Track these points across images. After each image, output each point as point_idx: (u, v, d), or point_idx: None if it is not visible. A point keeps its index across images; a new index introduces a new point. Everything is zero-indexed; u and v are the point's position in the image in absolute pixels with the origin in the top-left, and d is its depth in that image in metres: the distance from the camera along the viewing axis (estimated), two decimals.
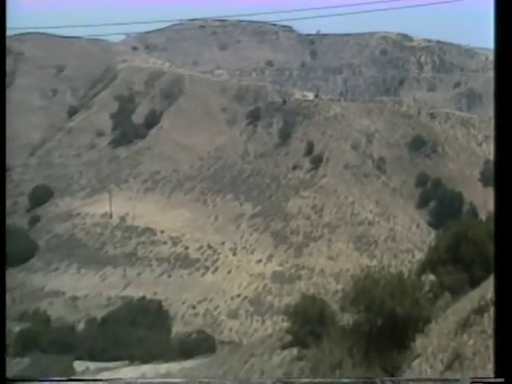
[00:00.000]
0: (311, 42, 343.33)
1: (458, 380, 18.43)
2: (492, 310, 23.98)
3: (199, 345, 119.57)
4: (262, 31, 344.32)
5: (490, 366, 22.03)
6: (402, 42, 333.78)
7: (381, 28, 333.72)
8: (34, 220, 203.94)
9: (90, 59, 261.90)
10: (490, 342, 22.81)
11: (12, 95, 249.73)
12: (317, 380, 21.07)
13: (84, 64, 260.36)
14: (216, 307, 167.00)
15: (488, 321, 23.56)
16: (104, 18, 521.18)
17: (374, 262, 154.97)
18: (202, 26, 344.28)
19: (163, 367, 79.78)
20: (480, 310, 24.34)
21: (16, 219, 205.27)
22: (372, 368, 22.89)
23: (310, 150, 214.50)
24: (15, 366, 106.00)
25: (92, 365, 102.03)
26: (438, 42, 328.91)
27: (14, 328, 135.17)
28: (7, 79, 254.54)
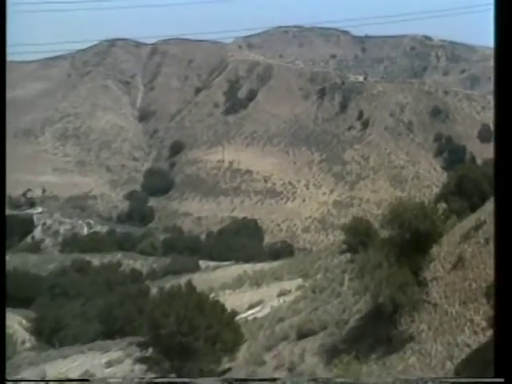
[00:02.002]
0: (361, 41, 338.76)
1: (460, 379, 17.03)
2: (484, 227, 23.73)
3: (283, 251, 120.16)
4: (327, 34, 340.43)
5: (482, 266, 21.90)
6: (425, 41, 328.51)
7: (410, 32, 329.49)
8: (172, 164, 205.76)
9: (210, 55, 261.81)
10: (483, 249, 22.62)
11: (159, 80, 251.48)
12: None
13: (206, 58, 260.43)
14: (294, 225, 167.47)
15: (482, 234, 23.37)
16: (219, 27, 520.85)
17: (405, 194, 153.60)
18: (285, 31, 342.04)
19: (258, 266, 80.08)
20: (476, 227, 24.18)
21: (160, 164, 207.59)
22: (401, 268, 22.72)
23: (360, 116, 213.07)
24: (162, 262, 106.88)
25: (211, 263, 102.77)
26: (450, 41, 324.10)
27: (159, 237, 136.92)
28: (157, 70, 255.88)
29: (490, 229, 23.19)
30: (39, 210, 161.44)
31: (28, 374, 42.97)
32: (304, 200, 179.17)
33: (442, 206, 30.01)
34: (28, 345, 67.66)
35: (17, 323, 72.75)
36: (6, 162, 12.54)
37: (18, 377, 42.63)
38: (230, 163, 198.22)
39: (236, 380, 19.82)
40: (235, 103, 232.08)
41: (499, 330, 12.22)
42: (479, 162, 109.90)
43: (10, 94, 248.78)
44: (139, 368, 32.02)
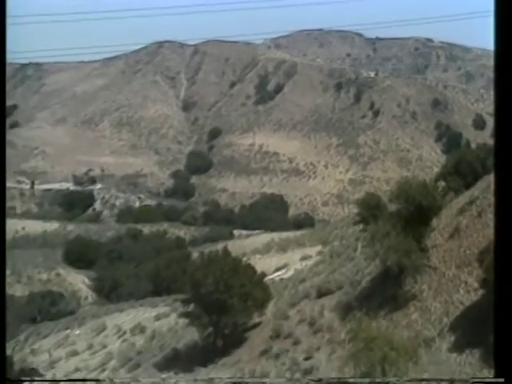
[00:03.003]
0: (373, 42, 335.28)
1: (460, 380, 16.48)
2: (477, 202, 23.57)
3: (305, 221, 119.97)
4: (344, 36, 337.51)
5: (475, 235, 21.84)
6: (427, 43, 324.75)
7: (414, 34, 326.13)
8: (211, 147, 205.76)
9: (243, 54, 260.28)
10: (476, 221, 22.51)
11: (199, 76, 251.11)
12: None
13: (240, 57, 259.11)
14: (315, 199, 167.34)
15: (475, 208, 23.27)
16: (251, 30, 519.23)
17: (409, 173, 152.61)
18: (308, 34, 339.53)
19: (283, 234, 79.96)
20: (470, 202, 24.08)
21: (200, 147, 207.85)
22: (406, 236, 22.68)
23: (371, 106, 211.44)
24: (202, 231, 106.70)
25: (244, 232, 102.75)
26: (448, 43, 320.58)
27: (200, 210, 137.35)
28: (198, 66, 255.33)
29: (482, 203, 23.12)
30: (99, 186, 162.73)
31: (92, 324, 43.49)
32: (323, 178, 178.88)
33: (442, 184, 29.90)
34: (90, 300, 68.59)
35: (81, 282, 73.67)
36: (5, 158, 11.53)
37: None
38: (260, 146, 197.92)
39: None
40: (264, 95, 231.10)
41: (499, 331, 11.06)
42: (473, 146, 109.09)
43: (76, 89, 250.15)
44: (182, 321, 32.27)
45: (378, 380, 16.01)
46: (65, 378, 34.38)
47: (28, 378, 19.93)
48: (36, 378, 20.05)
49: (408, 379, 16.40)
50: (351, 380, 17.50)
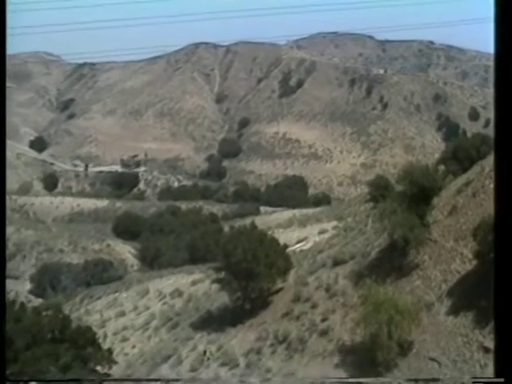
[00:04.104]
0: (382, 44, 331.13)
1: (459, 379, 15.78)
2: (472, 184, 23.33)
3: (322, 200, 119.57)
4: (356, 38, 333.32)
5: (470, 213, 21.67)
6: (429, 45, 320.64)
7: (418, 37, 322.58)
8: (240, 135, 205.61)
9: (268, 54, 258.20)
10: (471, 200, 22.34)
11: (231, 72, 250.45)
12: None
13: (266, 56, 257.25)
14: (331, 180, 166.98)
15: (470, 189, 23.09)
16: (276, 33, 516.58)
17: (414, 158, 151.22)
18: (325, 36, 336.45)
19: (303, 211, 79.65)
20: (466, 184, 23.96)
21: (231, 135, 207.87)
22: (411, 213, 22.55)
23: (381, 99, 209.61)
24: (232, 207, 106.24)
25: (269, 209, 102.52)
26: (447, 45, 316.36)
27: (230, 189, 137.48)
28: (229, 64, 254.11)
29: (476, 185, 22.99)
30: (143, 168, 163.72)
31: (137, 289, 43.77)
32: (339, 162, 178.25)
33: (442, 167, 29.69)
34: (135, 267, 69.18)
35: (127, 252, 74.32)
36: (5, 159, 10.71)
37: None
38: (283, 134, 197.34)
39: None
40: (287, 89, 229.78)
41: (499, 332, 10.17)
42: (469, 135, 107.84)
43: (124, 85, 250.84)
44: (215, 287, 32.37)
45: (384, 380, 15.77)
46: (113, 336, 34.74)
47: (27, 379, 19.12)
48: (36, 378, 19.35)
49: (411, 379, 16.23)
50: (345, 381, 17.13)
